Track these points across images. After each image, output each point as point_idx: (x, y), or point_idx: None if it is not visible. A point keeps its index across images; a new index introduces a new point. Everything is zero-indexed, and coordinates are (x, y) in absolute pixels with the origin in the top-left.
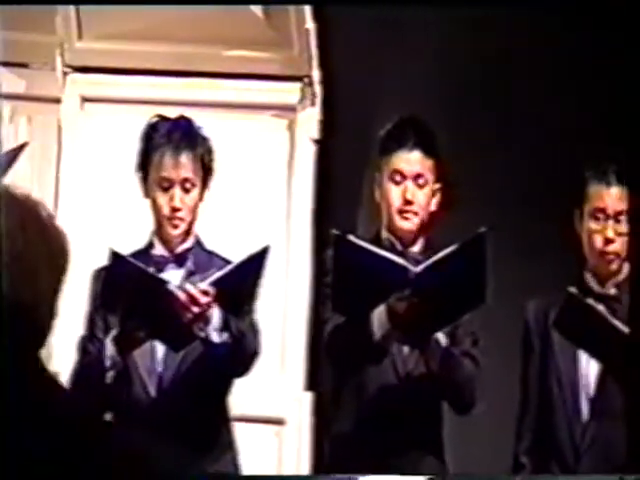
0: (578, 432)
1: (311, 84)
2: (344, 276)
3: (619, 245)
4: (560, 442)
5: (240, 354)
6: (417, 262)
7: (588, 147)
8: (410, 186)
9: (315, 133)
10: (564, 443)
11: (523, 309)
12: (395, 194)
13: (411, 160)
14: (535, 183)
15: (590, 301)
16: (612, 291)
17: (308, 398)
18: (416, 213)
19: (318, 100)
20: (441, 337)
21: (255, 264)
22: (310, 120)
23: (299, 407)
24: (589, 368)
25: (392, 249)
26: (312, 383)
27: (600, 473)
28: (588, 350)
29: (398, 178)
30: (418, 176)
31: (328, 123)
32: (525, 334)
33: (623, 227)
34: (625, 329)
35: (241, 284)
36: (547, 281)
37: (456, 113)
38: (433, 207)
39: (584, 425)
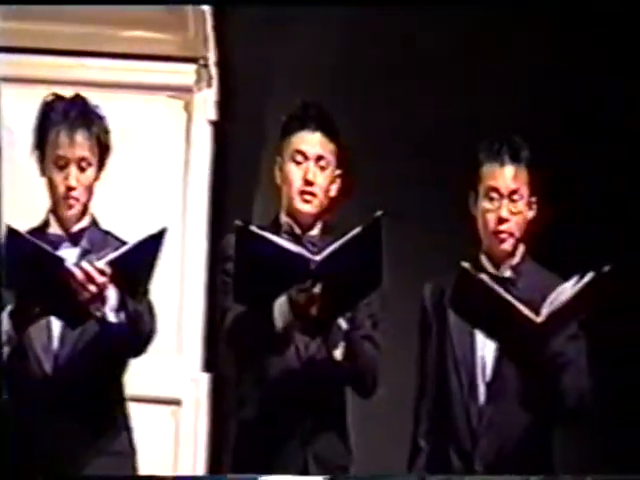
0: (475, 415)
1: (207, 65)
2: (245, 267)
3: (513, 225)
4: (457, 425)
5: (136, 334)
6: (315, 246)
7: (481, 128)
8: (311, 167)
9: (211, 114)
10: (461, 426)
11: (420, 292)
12: (296, 175)
13: (313, 141)
14: (430, 166)
15: (484, 276)
16: (507, 273)
17: (205, 379)
18: (316, 195)
19: (214, 81)
20: (342, 322)
21: (152, 245)
22: (206, 101)
23: (196, 388)
24: (486, 350)
25: (291, 233)
26: (209, 364)
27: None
28: (482, 328)
29: (300, 158)
30: (319, 158)
31: (225, 104)
32: (422, 317)
33: (517, 206)
34: (524, 308)
35: (137, 265)
36: (444, 263)
37: (353, 99)
38: (333, 193)
39: (481, 408)
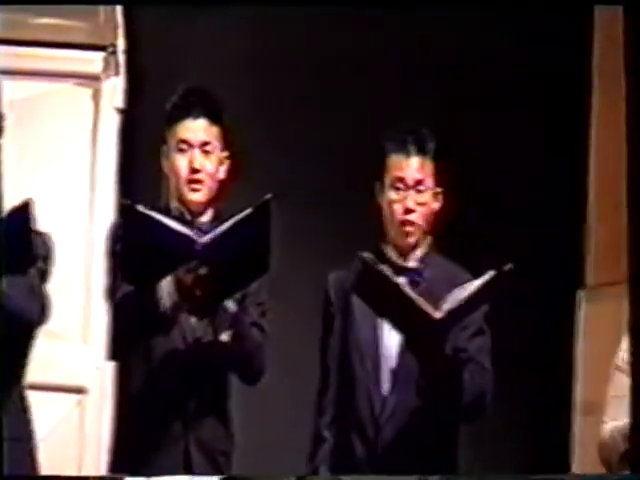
0: (379, 403)
1: (115, 53)
2: (132, 246)
3: (419, 215)
4: (361, 414)
5: (16, 321)
6: (206, 232)
7: (387, 118)
8: (197, 154)
9: (119, 102)
10: (365, 415)
11: (324, 281)
12: (182, 163)
13: (196, 128)
14: (335, 155)
15: (385, 268)
16: (412, 264)
17: (110, 367)
18: (204, 182)
19: (122, 69)
20: (230, 304)
21: (18, 220)
22: (114, 89)
23: (101, 376)
24: (390, 339)
25: (181, 219)
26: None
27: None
28: (386, 318)
29: (184, 147)
30: (204, 144)
31: (132, 93)
32: (326, 306)
33: (423, 197)
34: (423, 303)
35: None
36: (349, 253)
37: (258, 86)
38: (221, 175)
39: (385, 396)
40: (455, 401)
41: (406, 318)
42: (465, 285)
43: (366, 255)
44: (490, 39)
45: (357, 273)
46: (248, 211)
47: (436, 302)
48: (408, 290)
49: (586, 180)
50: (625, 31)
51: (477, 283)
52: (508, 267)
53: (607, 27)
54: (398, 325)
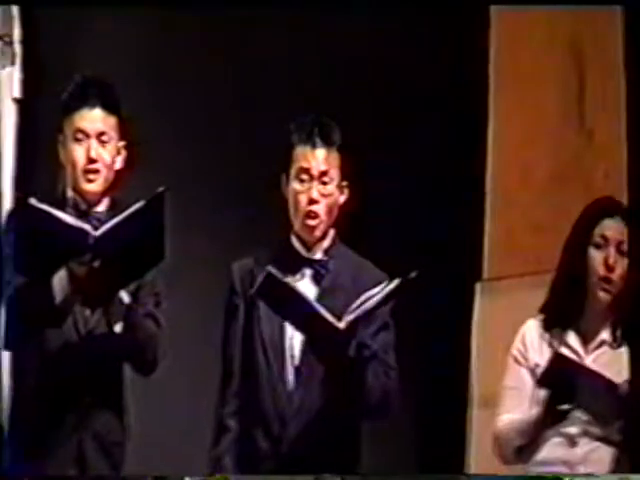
0: (284, 398)
1: (11, 43)
2: (25, 239)
3: (323, 206)
4: (265, 408)
5: None
6: (101, 222)
7: (292, 110)
8: (93, 144)
9: (16, 92)
10: (269, 409)
11: (229, 271)
12: (79, 153)
13: (93, 118)
14: (241, 147)
15: (288, 279)
16: (318, 255)
17: (4, 358)
18: (100, 172)
19: (18, 59)
20: (124, 296)
21: None
22: (11, 80)
23: None
24: (295, 334)
25: (76, 209)
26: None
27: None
28: (290, 322)
29: (81, 136)
30: (101, 133)
31: (30, 82)
32: (229, 296)
33: (328, 189)
34: (326, 314)
35: None
36: (255, 245)
37: (152, 74)
38: (118, 165)
39: (290, 391)
40: (360, 401)
41: (309, 327)
42: (369, 294)
43: (271, 269)
44: (392, 36)
45: (259, 285)
46: (141, 203)
47: (339, 307)
48: (312, 302)
49: (484, 176)
50: (625, 31)
51: (382, 293)
52: (413, 274)
53: (503, 27)
54: (301, 329)
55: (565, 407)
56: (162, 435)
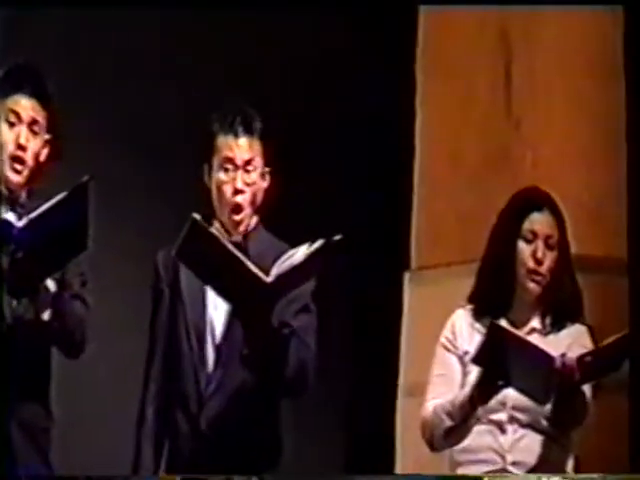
0: (203, 378)
1: None
2: None
3: (249, 195)
4: (186, 388)
5: None
6: (24, 212)
7: (215, 99)
8: (24, 131)
9: None
10: (190, 389)
11: (154, 259)
12: (8, 137)
13: (28, 105)
14: (163, 137)
15: (214, 230)
16: (239, 239)
17: None
18: (26, 162)
19: None
20: (50, 283)
21: None
22: None
23: None
24: (216, 313)
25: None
26: None
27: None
28: (212, 285)
29: (13, 119)
30: (33, 122)
31: None
32: (155, 281)
33: (252, 177)
34: (253, 266)
35: None
36: (178, 231)
37: (75, 64)
38: (42, 158)
39: (210, 371)
40: (278, 373)
41: (234, 283)
42: (294, 252)
43: (196, 216)
44: (318, 31)
45: (184, 236)
46: (65, 193)
47: (264, 269)
48: (238, 253)
49: (411, 165)
50: (625, 31)
51: (307, 251)
52: (337, 237)
53: (433, 17)
54: (225, 291)
55: (497, 382)
56: (89, 420)
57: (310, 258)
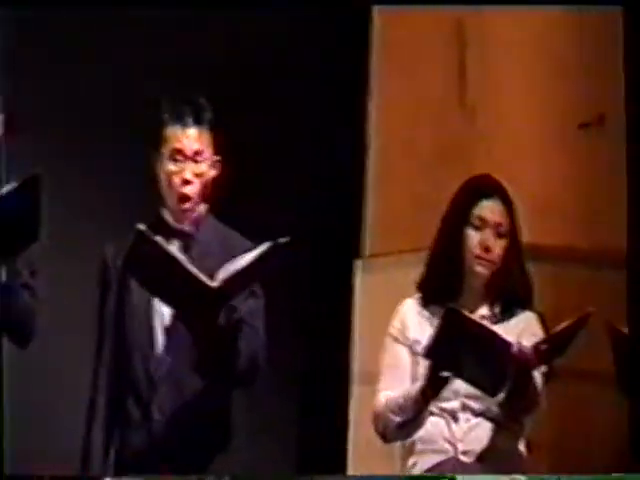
0: (153, 364)
1: None
2: None
3: (197, 186)
4: (136, 375)
5: None
6: None
7: (164, 89)
8: None
9: None
10: (140, 376)
11: (102, 250)
12: None
13: None
14: (112, 126)
15: (160, 239)
16: (187, 228)
17: None
18: None
19: None
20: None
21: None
22: None
23: None
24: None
25: None
26: None
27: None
28: (158, 295)
29: None
30: None
31: None
32: (103, 272)
33: (201, 168)
34: (198, 273)
35: None
36: (126, 222)
37: (23, 51)
38: None
39: (159, 356)
40: (229, 368)
41: (180, 290)
42: (241, 256)
43: (141, 227)
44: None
45: (130, 246)
46: (14, 185)
47: (210, 270)
48: (184, 261)
49: (365, 152)
50: (625, 31)
51: (253, 254)
52: (284, 239)
53: (386, 18)
54: (172, 299)
55: (446, 374)
56: (39, 410)
57: (256, 261)
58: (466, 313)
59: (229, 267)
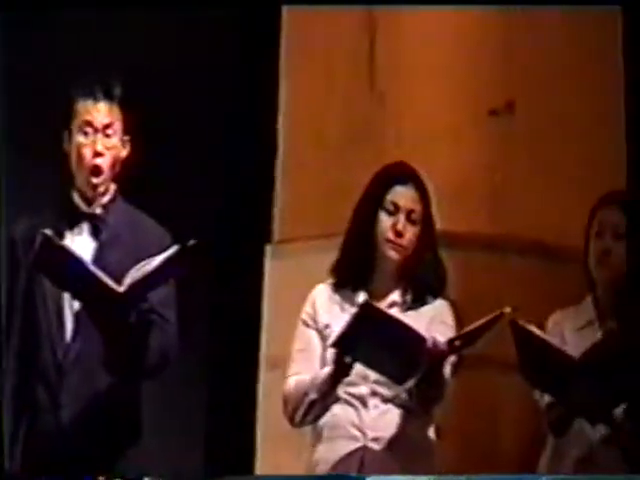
0: (61, 349)
1: None
2: None
3: (108, 160)
4: (44, 359)
5: None
6: None
7: (76, 66)
8: None
9: None
10: (48, 361)
11: (10, 229)
12: None
13: None
14: (20, 104)
15: (67, 238)
16: (98, 210)
17: None
18: None
19: None
20: None
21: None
22: None
23: None
24: None
25: None
26: None
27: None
28: (68, 291)
29: None
30: None
31: None
32: (11, 251)
33: (112, 142)
34: (105, 277)
35: None
36: (37, 202)
37: None
38: None
39: (68, 342)
40: (139, 364)
41: (88, 292)
42: (148, 260)
43: (48, 232)
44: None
45: (37, 250)
46: None
47: (120, 261)
48: (90, 265)
49: (275, 138)
50: (624, 31)
51: (160, 258)
52: (191, 242)
53: (295, 18)
54: (81, 300)
55: (348, 360)
56: None
57: (164, 264)
58: (381, 307)
59: (137, 271)
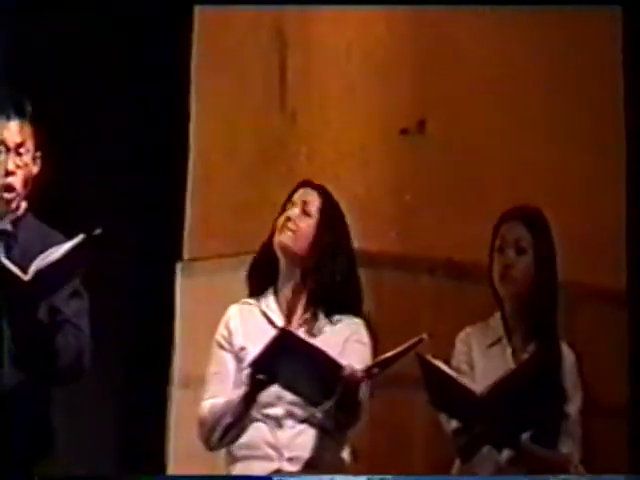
0: None
1: None
2: None
3: (20, 178)
4: None
5: None
6: None
7: None
8: None
9: None
10: None
11: None
12: None
13: None
14: None
15: None
16: (7, 227)
17: None
18: None
19: None
20: None
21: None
22: None
23: None
24: None
25: None
26: None
27: None
28: None
29: None
30: None
31: None
32: None
33: (24, 160)
34: (11, 266)
35: None
36: None
37: None
38: None
39: None
40: (49, 365)
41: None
42: (54, 249)
43: None
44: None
45: None
46: None
47: (24, 266)
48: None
49: (186, 155)
50: (624, 31)
51: (65, 247)
52: (97, 231)
53: (207, 22)
54: None
55: (261, 377)
56: None
57: (70, 254)
58: (299, 335)
59: (42, 260)
